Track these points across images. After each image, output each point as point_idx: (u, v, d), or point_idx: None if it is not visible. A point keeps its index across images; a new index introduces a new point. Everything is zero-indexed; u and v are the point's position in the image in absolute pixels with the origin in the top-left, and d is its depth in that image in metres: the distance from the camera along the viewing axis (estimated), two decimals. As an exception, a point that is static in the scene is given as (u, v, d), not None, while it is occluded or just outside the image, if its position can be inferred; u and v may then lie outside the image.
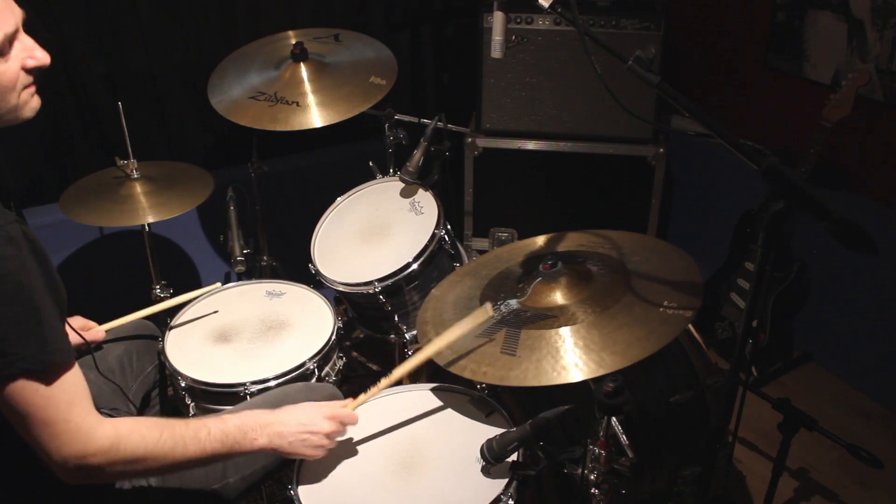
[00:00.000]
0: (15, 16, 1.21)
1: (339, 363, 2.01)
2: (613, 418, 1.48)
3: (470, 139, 2.83)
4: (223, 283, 2.15)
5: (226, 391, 1.81)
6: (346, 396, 1.64)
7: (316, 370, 1.88)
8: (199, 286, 2.08)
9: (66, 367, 1.21)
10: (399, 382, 1.61)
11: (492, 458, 1.43)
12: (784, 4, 2.71)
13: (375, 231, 2.21)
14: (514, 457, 1.44)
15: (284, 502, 1.92)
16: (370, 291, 2.03)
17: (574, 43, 2.65)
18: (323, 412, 1.47)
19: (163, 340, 1.94)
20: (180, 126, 2.81)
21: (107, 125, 2.62)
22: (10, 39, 1.20)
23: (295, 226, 2.38)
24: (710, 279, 2.75)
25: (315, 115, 2.18)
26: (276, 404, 1.50)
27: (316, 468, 1.53)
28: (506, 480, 1.44)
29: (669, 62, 2.95)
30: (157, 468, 1.31)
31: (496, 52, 1.62)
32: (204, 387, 1.82)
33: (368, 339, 2.69)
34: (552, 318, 1.56)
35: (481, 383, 1.64)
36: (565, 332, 1.51)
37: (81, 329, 1.77)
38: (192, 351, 1.92)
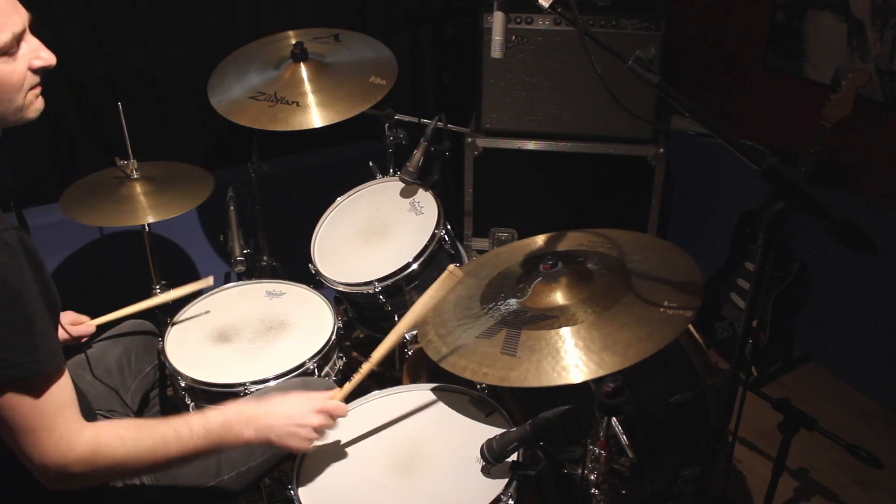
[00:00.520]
0: (22, 17, 1.21)
1: (339, 363, 2.01)
2: (613, 418, 1.48)
3: (470, 139, 2.83)
4: (223, 283, 2.16)
5: (226, 391, 1.81)
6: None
7: (316, 370, 1.88)
8: (199, 286, 2.08)
9: (55, 376, 1.21)
10: (400, 375, 1.60)
11: (492, 458, 1.43)
12: (784, 4, 2.71)
13: (375, 231, 2.21)
14: (514, 457, 1.44)
15: (284, 502, 1.93)
16: (370, 291, 2.03)
17: (574, 43, 2.65)
18: (312, 405, 1.45)
19: (163, 340, 1.94)
20: (180, 126, 2.81)
21: (107, 125, 2.62)
22: (18, 39, 1.21)
23: (295, 226, 2.38)
24: (710, 279, 2.75)
25: (315, 115, 2.18)
26: None
27: (316, 468, 1.53)
28: (506, 480, 1.44)
29: (669, 62, 2.95)
30: (140, 469, 1.30)
31: (496, 52, 1.62)
32: (204, 387, 1.82)
33: (368, 339, 2.68)
34: (552, 318, 1.56)
35: (481, 383, 1.64)
36: (566, 332, 1.51)
37: (73, 324, 1.76)
38: (193, 351, 1.92)
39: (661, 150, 2.75)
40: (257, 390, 1.78)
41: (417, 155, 2.22)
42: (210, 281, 2.05)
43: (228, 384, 1.81)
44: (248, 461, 1.56)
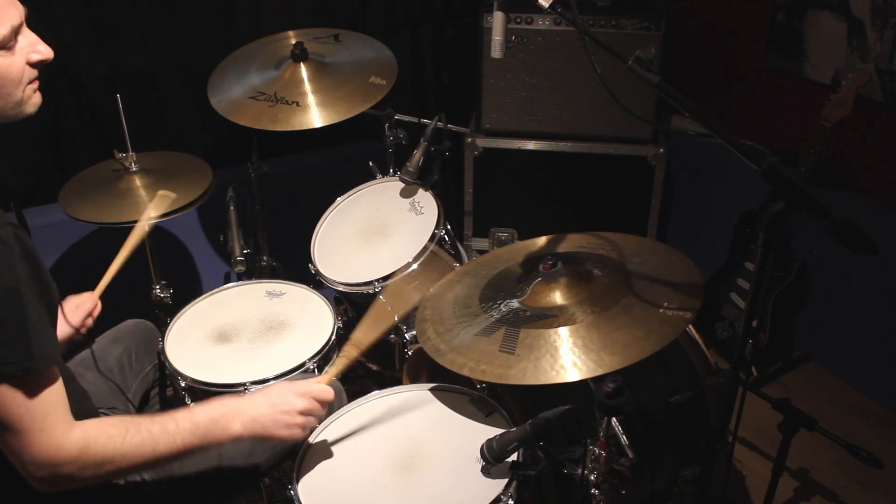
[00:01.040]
0: (19, 10, 1.22)
1: (339, 363, 2.01)
2: (613, 418, 1.48)
3: (470, 139, 2.83)
4: (223, 283, 2.15)
5: (226, 391, 1.81)
6: (346, 397, 1.63)
7: (316, 370, 1.88)
8: (200, 286, 2.08)
9: (48, 376, 1.20)
10: (400, 374, 1.60)
11: (492, 458, 1.43)
12: (784, 4, 2.71)
13: (375, 231, 2.21)
14: (514, 457, 1.44)
15: (284, 502, 1.93)
16: (370, 291, 2.03)
17: (574, 43, 2.65)
18: (294, 389, 1.43)
19: (163, 340, 1.94)
20: (180, 126, 2.81)
21: (107, 125, 2.62)
22: (16, 33, 1.21)
23: (295, 226, 2.38)
24: (710, 279, 2.75)
25: (315, 115, 2.18)
26: None
27: (316, 468, 1.53)
28: (506, 480, 1.44)
29: (669, 62, 2.95)
30: (129, 467, 1.29)
31: (496, 52, 1.62)
32: (204, 387, 1.82)
33: (368, 339, 2.69)
34: (551, 317, 1.56)
35: (481, 383, 1.65)
36: (564, 331, 1.51)
37: (76, 307, 1.74)
38: (192, 351, 1.92)
39: (661, 150, 2.75)
40: (257, 390, 1.78)
41: (417, 155, 2.22)
42: (171, 195, 2.01)
43: (228, 384, 1.81)
44: (247, 458, 1.55)
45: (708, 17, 3.07)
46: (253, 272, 2.56)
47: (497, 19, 1.60)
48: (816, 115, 2.24)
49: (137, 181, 2.14)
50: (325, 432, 1.62)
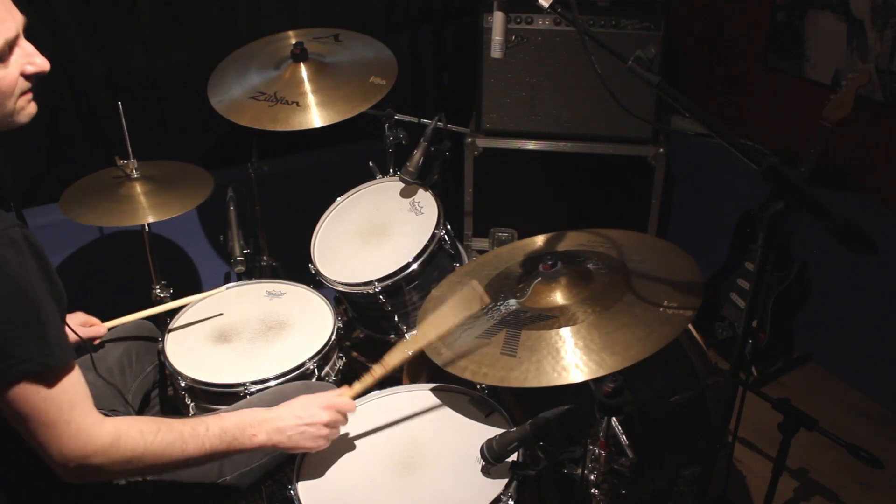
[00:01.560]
0: (16, 21, 1.21)
1: (339, 363, 2.02)
2: (613, 418, 1.48)
3: (470, 139, 2.83)
4: (223, 283, 2.15)
5: (226, 391, 1.81)
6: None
7: (316, 370, 1.88)
8: (200, 286, 2.09)
9: (66, 369, 1.21)
10: (400, 374, 1.60)
11: (492, 458, 1.43)
12: (784, 4, 2.71)
13: (375, 231, 2.21)
14: (514, 457, 1.44)
15: (284, 502, 1.92)
16: (370, 291, 2.03)
17: (574, 43, 2.65)
18: (319, 402, 1.47)
19: (163, 341, 1.94)
20: (180, 126, 2.81)
21: (107, 126, 2.62)
22: (11, 45, 1.20)
23: (295, 226, 2.38)
24: (710, 279, 2.75)
25: (315, 115, 2.18)
26: (273, 403, 1.49)
27: (316, 468, 1.53)
28: (506, 480, 1.44)
29: (669, 62, 2.95)
30: (157, 465, 1.31)
31: (496, 52, 1.62)
32: (204, 387, 1.82)
33: (368, 339, 2.68)
34: (552, 318, 1.55)
35: (481, 383, 1.64)
36: (565, 332, 1.50)
37: (83, 325, 1.78)
38: (192, 351, 1.92)
39: (661, 150, 2.75)
40: (258, 391, 1.78)
41: (417, 155, 2.22)
42: (223, 290, 2.08)
43: (228, 384, 1.81)
44: (249, 462, 1.56)
45: (708, 17, 3.07)
46: (253, 272, 2.56)
47: (497, 19, 1.60)
48: (816, 115, 2.24)
49: (138, 188, 2.13)
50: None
